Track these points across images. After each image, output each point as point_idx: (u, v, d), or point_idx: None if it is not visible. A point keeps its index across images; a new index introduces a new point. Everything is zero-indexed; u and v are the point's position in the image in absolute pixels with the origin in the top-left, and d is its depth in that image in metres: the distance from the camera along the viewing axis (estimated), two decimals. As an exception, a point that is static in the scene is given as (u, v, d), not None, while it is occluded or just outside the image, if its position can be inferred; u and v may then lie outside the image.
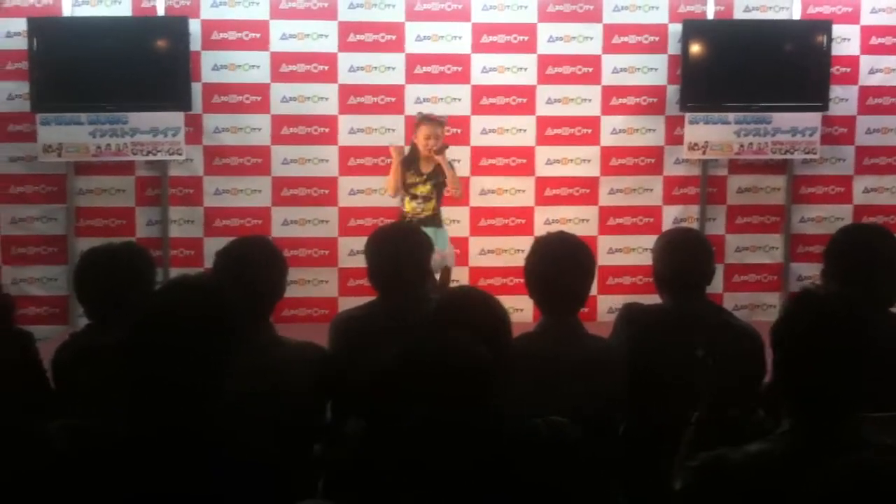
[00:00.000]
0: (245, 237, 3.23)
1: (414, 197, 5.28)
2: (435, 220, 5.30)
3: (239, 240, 3.05)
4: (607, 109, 6.10)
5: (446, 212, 5.49)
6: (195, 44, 5.87)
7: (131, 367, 1.95)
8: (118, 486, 1.82)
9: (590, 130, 6.10)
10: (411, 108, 5.95)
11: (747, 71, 5.93)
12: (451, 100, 5.97)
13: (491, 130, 6.08)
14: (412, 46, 6.01)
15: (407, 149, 5.37)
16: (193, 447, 1.86)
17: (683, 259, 3.08)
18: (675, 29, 6.01)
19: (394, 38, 6.01)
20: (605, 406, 2.74)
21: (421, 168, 5.26)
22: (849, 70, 6.13)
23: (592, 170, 6.12)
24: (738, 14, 6.10)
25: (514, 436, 2.04)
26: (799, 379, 1.79)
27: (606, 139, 6.10)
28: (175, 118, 5.80)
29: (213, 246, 3.01)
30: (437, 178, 5.25)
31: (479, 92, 6.05)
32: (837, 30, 6.01)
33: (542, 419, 2.11)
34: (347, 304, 4.73)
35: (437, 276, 5.19)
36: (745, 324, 3.20)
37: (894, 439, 1.82)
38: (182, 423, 1.87)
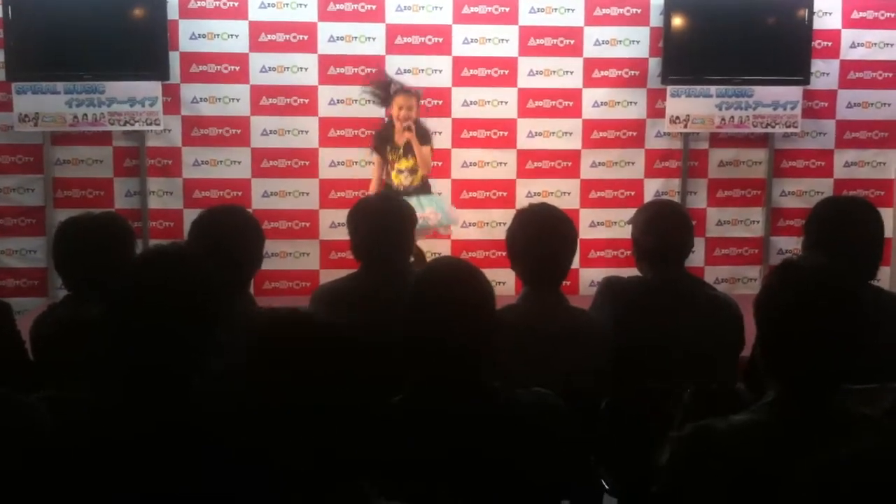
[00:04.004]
0: (220, 206, 3.21)
1: (399, 172, 5.32)
2: (425, 188, 5.37)
3: (213, 208, 3.02)
4: (589, 82, 6.08)
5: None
6: (172, 12, 5.78)
7: (107, 345, 1.91)
8: (99, 458, 1.80)
9: (571, 103, 6.08)
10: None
11: (729, 44, 5.92)
12: (432, 71, 5.92)
13: (472, 102, 6.04)
14: (392, 16, 5.96)
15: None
16: (174, 426, 1.84)
17: (663, 231, 3.08)
18: (658, 1, 5.98)
19: (374, 7, 5.94)
20: (588, 379, 2.75)
21: (396, 141, 5.27)
22: (830, 44, 6.13)
23: (574, 143, 6.11)
24: (721, -13, 6.08)
25: (497, 406, 2.04)
26: (783, 350, 1.79)
27: (588, 112, 6.09)
28: (152, 88, 5.73)
29: (193, 217, 2.97)
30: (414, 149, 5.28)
31: (460, 63, 6.01)
32: (819, 3, 5.99)
33: (525, 390, 2.11)
34: (329, 276, 4.69)
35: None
36: (724, 295, 3.22)
37: (875, 411, 1.84)
38: (164, 402, 1.84)
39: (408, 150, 5.26)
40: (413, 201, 5.27)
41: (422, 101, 5.40)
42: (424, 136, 5.31)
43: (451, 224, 5.58)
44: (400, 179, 5.32)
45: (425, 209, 5.24)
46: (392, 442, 1.95)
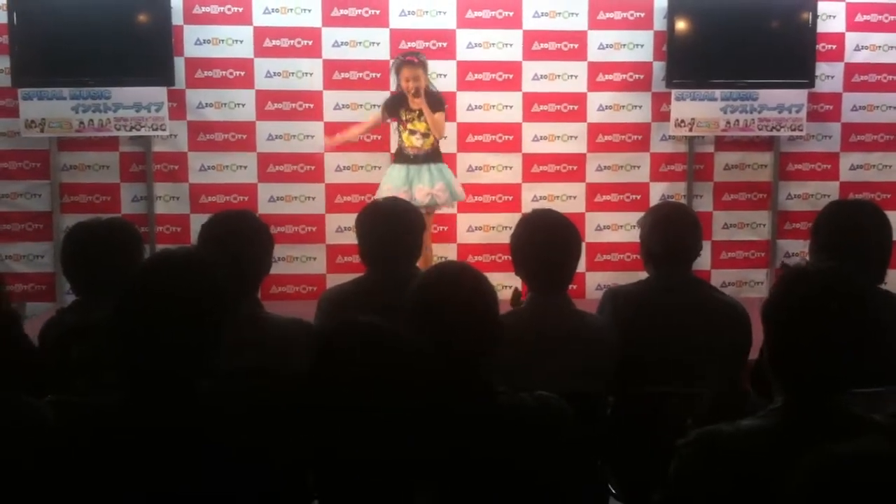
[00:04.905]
0: (229, 210, 3.20)
1: (412, 133, 5.37)
2: (436, 154, 5.42)
3: (223, 213, 3.02)
4: (594, 86, 6.08)
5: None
6: (177, 17, 5.80)
7: (114, 350, 1.91)
8: (102, 459, 1.81)
9: (576, 107, 6.09)
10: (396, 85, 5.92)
11: (733, 47, 5.91)
12: (437, 75, 5.91)
13: (477, 107, 6.05)
14: (396, 21, 5.97)
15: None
16: (178, 427, 1.84)
17: (670, 233, 3.08)
18: (661, 5, 5.99)
19: (378, 12, 5.96)
20: (594, 383, 2.74)
21: (411, 105, 5.33)
22: (834, 47, 6.13)
23: (579, 146, 6.11)
24: (725, -10, 6.08)
25: (501, 409, 2.04)
26: (791, 355, 1.78)
27: (593, 116, 6.09)
28: (158, 93, 5.75)
29: (200, 222, 2.97)
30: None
31: (464, 68, 6.02)
32: (823, 6, 5.99)
33: (530, 393, 2.11)
34: (335, 280, 4.71)
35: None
36: (731, 298, 3.22)
37: (884, 415, 1.83)
38: (169, 405, 1.84)
39: (422, 113, 5.32)
40: (424, 170, 5.33)
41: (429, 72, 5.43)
42: (437, 103, 5.37)
43: (458, 200, 5.65)
44: (412, 141, 5.37)
45: (436, 184, 5.27)
46: (397, 441, 1.95)
